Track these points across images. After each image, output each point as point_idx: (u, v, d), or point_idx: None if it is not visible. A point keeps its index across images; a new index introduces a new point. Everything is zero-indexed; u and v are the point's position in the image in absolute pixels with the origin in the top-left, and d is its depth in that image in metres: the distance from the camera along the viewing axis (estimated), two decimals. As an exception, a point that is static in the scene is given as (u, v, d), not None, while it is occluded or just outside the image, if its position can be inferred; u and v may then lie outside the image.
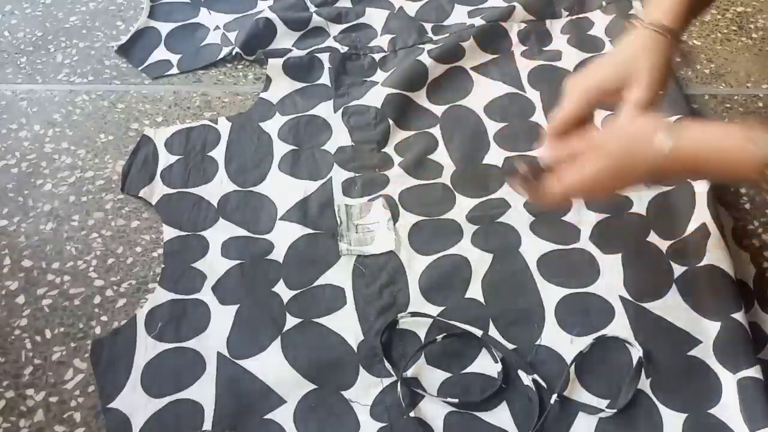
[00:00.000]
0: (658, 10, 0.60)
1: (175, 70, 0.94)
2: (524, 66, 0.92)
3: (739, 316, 0.65)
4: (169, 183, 0.79)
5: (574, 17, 0.99)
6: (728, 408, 0.61)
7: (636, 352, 0.64)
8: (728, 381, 0.62)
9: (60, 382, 0.63)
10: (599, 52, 0.94)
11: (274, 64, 0.91)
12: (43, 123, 0.87)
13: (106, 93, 0.91)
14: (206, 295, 0.69)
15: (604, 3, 1.00)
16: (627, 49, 0.60)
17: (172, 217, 0.75)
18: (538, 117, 0.85)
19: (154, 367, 0.64)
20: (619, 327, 0.66)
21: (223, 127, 0.85)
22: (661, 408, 0.61)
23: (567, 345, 0.65)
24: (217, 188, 0.78)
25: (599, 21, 0.98)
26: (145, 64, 0.95)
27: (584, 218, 0.74)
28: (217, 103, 0.90)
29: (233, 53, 0.95)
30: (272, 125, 0.85)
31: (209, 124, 0.85)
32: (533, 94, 0.88)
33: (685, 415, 0.61)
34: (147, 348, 0.65)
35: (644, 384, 0.63)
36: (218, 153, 0.82)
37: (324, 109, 0.86)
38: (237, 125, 0.85)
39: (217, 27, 0.99)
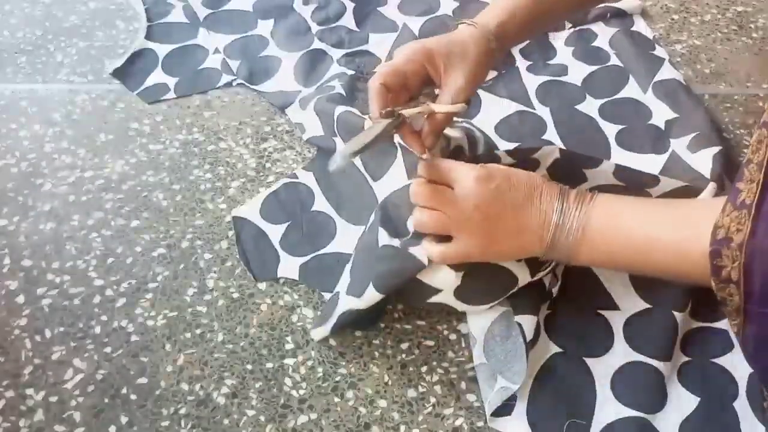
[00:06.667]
0: (486, 15, 0.66)
1: (172, 95, 0.91)
2: (531, 82, 0.91)
3: (678, 315, 0.64)
4: (297, 253, 0.73)
5: (576, 29, 0.99)
6: (618, 355, 0.63)
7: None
8: (624, 352, 0.63)
9: (60, 381, 0.63)
10: (604, 64, 0.93)
11: (294, 110, 0.88)
12: (42, 122, 0.87)
13: (105, 92, 0.91)
14: None
15: (608, 15, 1.00)
16: (457, 36, 0.65)
17: (321, 283, 0.71)
18: (551, 135, 0.84)
19: None
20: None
21: (307, 179, 0.80)
22: (546, 340, 0.64)
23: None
24: (344, 239, 0.73)
25: (602, 33, 0.98)
26: (141, 88, 0.92)
27: (603, 189, 0.72)
28: (217, 103, 0.90)
29: (234, 84, 0.93)
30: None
31: (290, 181, 0.79)
32: (543, 111, 0.87)
33: (561, 349, 0.64)
34: None
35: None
36: (322, 205, 0.77)
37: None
38: (319, 172, 0.80)
39: (217, 50, 0.97)
